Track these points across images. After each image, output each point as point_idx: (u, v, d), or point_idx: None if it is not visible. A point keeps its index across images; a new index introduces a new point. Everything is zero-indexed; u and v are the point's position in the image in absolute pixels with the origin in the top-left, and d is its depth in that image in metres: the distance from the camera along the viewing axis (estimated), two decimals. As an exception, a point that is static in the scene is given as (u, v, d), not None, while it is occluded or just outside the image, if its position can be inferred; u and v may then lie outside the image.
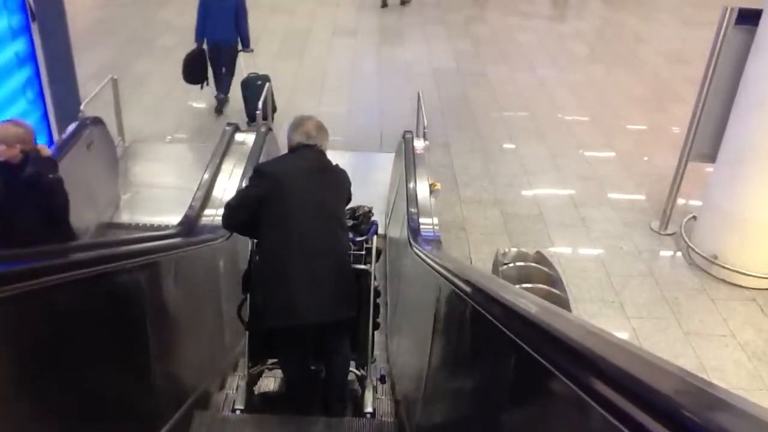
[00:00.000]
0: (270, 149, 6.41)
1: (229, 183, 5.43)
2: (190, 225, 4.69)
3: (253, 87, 8.27)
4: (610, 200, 7.60)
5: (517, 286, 4.33)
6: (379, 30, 13.55)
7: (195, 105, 9.33)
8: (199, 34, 8.54)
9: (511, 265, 4.90)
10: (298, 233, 3.27)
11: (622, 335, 5.40)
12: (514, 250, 5.25)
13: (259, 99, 7.25)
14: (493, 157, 8.40)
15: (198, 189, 5.23)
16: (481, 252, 6.56)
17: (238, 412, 3.69)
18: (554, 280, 4.76)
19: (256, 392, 4.09)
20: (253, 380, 3.98)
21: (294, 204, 3.30)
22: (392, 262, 5.88)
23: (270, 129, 6.59)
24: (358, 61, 11.70)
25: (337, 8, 14.57)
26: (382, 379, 4.20)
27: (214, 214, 4.96)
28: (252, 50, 8.78)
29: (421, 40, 12.82)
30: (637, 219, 7.25)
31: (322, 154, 3.57)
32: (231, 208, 3.41)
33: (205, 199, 5.12)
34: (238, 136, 6.23)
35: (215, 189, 5.35)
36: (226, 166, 5.70)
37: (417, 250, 4.33)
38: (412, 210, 5.16)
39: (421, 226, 4.92)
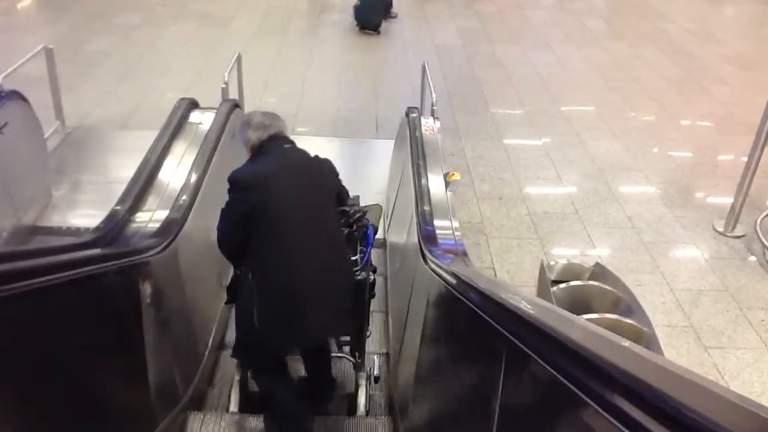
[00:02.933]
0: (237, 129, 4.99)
1: (177, 174, 4.01)
2: (112, 231, 3.29)
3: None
4: (659, 196, 6.21)
5: (584, 317, 3.00)
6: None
7: (158, 87, 7.87)
8: None
9: (564, 285, 3.50)
10: (295, 246, 2.88)
11: (704, 372, 4.00)
12: (562, 262, 3.86)
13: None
14: (513, 145, 6.99)
15: (132, 181, 3.81)
16: (507, 261, 5.17)
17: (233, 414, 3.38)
18: (628, 306, 3.36)
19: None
20: (245, 377, 3.53)
21: (285, 213, 2.87)
22: (395, 276, 4.49)
23: (237, 105, 5.16)
24: (348, 39, 10.26)
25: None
26: (376, 380, 3.73)
27: (149, 218, 3.56)
28: None
29: (421, 17, 11.37)
30: (696, 218, 5.86)
31: (292, 143, 3.09)
32: (222, 231, 2.97)
33: (141, 195, 3.71)
34: (195, 115, 4.80)
35: (157, 181, 3.93)
36: (175, 152, 4.28)
37: (436, 267, 2.96)
38: (424, 209, 3.77)
39: (438, 232, 3.54)
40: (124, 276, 2.84)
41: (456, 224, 3.71)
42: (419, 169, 4.25)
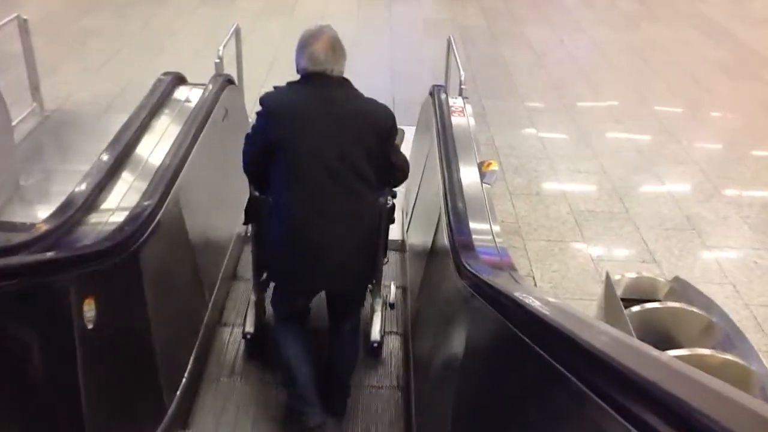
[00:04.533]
0: (232, 110, 4.23)
1: (153, 158, 3.23)
2: (57, 230, 2.53)
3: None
4: (721, 194, 5.37)
5: (670, 352, 2.24)
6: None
7: (150, 66, 7.10)
8: None
9: (638, 309, 2.68)
10: (310, 193, 2.68)
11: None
12: (630, 275, 3.04)
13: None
14: (548, 133, 6.17)
15: (95, 167, 3.04)
16: (548, 268, 4.37)
17: (248, 336, 3.30)
18: (726, 336, 2.55)
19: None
20: (261, 293, 3.38)
21: (304, 154, 2.65)
22: (418, 288, 3.70)
23: (231, 80, 4.37)
24: (358, 17, 9.43)
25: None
26: (392, 306, 3.70)
27: (112, 209, 2.80)
28: None
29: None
30: (766, 219, 5.03)
31: (340, 84, 2.73)
32: (245, 153, 2.84)
33: (102, 183, 2.94)
34: (180, 91, 4.02)
35: (127, 166, 3.16)
36: (153, 133, 3.50)
37: (481, 286, 2.20)
38: (457, 207, 2.98)
39: (475, 237, 2.75)
40: (50, 295, 2.07)
41: (497, 228, 2.92)
42: (448, 158, 3.45)
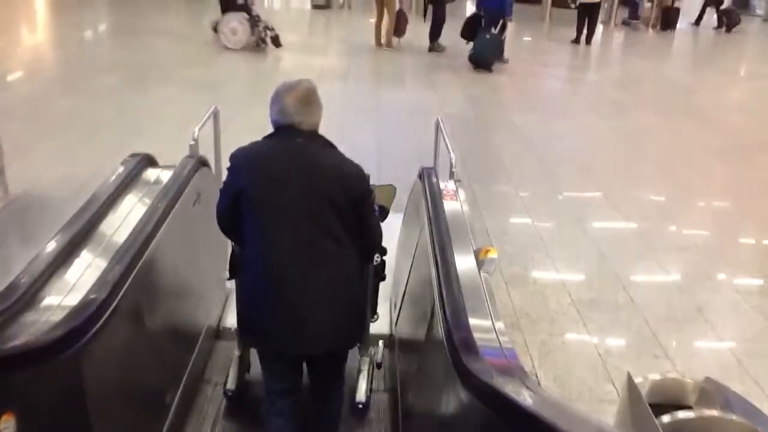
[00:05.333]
0: (205, 194, 3.90)
1: (110, 245, 2.86)
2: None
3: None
4: (730, 282, 5.05)
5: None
6: (374, 74, 11.31)
7: (125, 149, 6.81)
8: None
9: (669, 418, 2.28)
10: (280, 245, 2.59)
11: None
12: (654, 377, 2.64)
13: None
14: (542, 219, 5.87)
15: (42, 256, 2.66)
16: (552, 366, 3.96)
17: (230, 393, 3.27)
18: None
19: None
20: (246, 350, 3.36)
21: (270, 205, 2.59)
22: (410, 392, 3.27)
23: (205, 163, 4.07)
24: (350, 103, 9.28)
25: (324, 54, 12.27)
26: (378, 366, 3.59)
27: (54, 305, 2.41)
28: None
29: (427, 86, 10.45)
30: (784, 309, 4.69)
31: (310, 137, 2.65)
32: (218, 208, 2.73)
33: (47, 272, 2.56)
34: (148, 173, 3.70)
35: (82, 253, 2.79)
36: (114, 216, 3.15)
37: (485, 397, 1.83)
38: (455, 299, 2.62)
39: (477, 336, 2.38)
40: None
41: (501, 324, 2.55)
42: (442, 245, 3.11)
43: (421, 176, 4.06)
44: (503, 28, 11.29)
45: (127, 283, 2.62)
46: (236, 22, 11.40)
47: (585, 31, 13.99)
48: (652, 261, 5.27)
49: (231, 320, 4.01)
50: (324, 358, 2.83)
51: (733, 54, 16.17)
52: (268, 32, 11.49)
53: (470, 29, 11.57)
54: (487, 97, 10.16)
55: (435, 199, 3.65)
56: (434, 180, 3.91)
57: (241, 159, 2.65)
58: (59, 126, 7.30)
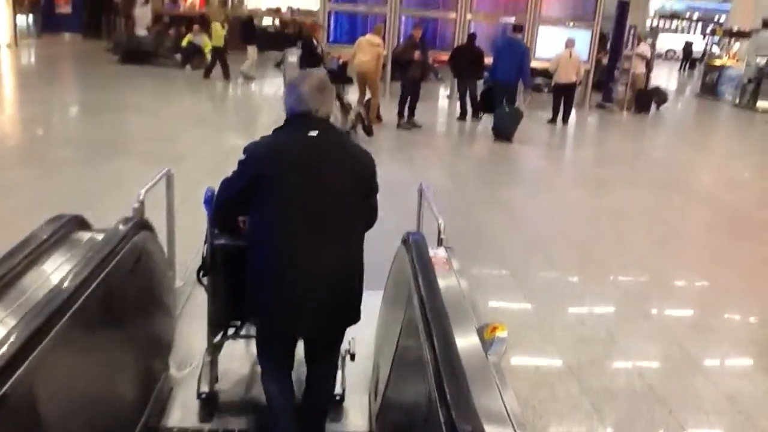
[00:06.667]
0: (145, 261, 3.24)
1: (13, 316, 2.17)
2: None
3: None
4: (757, 363, 4.43)
5: None
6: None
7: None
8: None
9: None
10: (296, 228, 2.69)
11: None
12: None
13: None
14: (541, 300, 5.23)
15: None
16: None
17: (203, 396, 3.23)
18: None
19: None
20: (215, 353, 3.37)
21: (288, 194, 2.66)
22: None
23: (147, 227, 3.41)
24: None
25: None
26: (353, 357, 3.47)
27: None
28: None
29: (404, 160, 9.94)
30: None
31: (324, 125, 2.75)
32: (224, 190, 2.83)
33: None
34: (77, 237, 3.03)
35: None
36: (32, 278, 2.48)
37: None
38: (460, 394, 2.00)
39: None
40: None
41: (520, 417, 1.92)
42: (439, 322, 2.47)
43: (406, 242, 3.44)
44: (513, 98, 11.89)
45: (22, 368, 1.94)
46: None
47: (561, 112, 13.84)
48: (667, 345, 4.64)
49: (176, 418, 3.29)
50: (321, 339, 2.94)
51: (710, 135, 16.20)
52: (361, 120, 10.69)
53: (487, 102, 12.28)
54: (468, 172, 9.72)
55: (425, 267, 3.02)
56: (422, 245, 3.29)
57: (261, 148, 2.74)
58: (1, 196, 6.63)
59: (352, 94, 11.84)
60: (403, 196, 5.23)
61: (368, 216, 2.89)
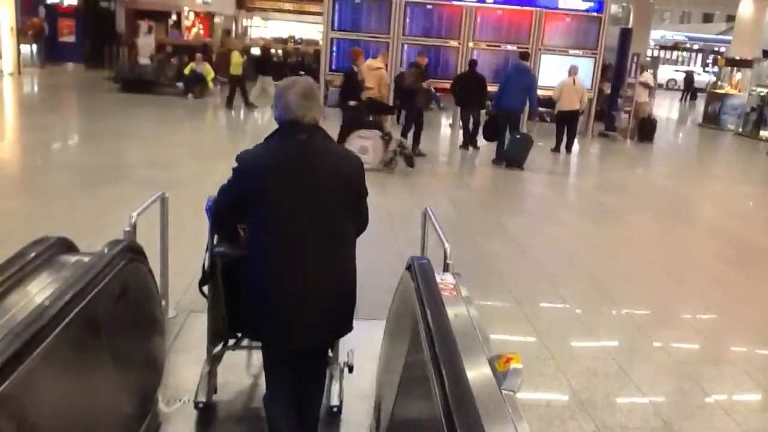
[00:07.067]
0: (133, 289, 3.06)
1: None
2: None
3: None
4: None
5: None
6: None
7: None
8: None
9: None
10: (289, 243, 2.72)
11: None
12: None
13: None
14: (552, 334, 5.01)
15: None
16: None
17: (200, 405, 3.23)
18: None
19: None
20: (215, 363, 3.39)
21: (280, 205, 2.69)
22: None
23: (137, 251, 3.23)
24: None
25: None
26: (350, 369, 3.47)
27: None
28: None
29: (404, 190, 9.75)
30: None
31: (312, 131, 2.77)
32: (218, 208, 2.95)
33: None
34: (62, 260, 2.86)
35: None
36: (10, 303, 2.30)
37: None
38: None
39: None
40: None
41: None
42: (449, 354, 2.28)
43: (410, 267, 3.25)
44: (516, 126, 11.89)
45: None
46: (367, 140, 10.17)
47: (564, 140, 13.72)
48: (683, 379, 4.43)
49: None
50: (313, 354, 2.95)
51: (714, 164, 16.06)
52: (403, 150, 10.40)
53: (491, 130, 12.04)
54: (471, 200, 9.55)
55: (431, 294, 2.83)
56: (428, 270, 3.11)
57: (251, 161, 2.75)
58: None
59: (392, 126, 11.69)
60: (410, 222, 5.04)
61: (359, 221, 2.91)
